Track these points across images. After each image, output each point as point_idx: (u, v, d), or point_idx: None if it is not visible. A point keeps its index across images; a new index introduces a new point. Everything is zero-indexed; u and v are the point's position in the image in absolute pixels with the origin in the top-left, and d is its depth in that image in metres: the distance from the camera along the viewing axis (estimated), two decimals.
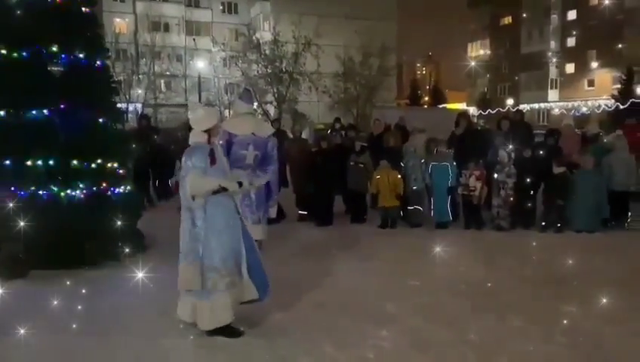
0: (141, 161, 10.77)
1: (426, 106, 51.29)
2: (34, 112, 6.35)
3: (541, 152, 9.11)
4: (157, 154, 11.31)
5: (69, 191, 6.39)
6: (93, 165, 6.63)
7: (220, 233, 4.37)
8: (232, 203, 4.54)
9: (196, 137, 4.51)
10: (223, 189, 4.38)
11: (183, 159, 4.43)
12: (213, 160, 4.42)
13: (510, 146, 8.96)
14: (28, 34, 6.39)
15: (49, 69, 6.43)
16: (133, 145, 10.82)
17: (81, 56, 6.69)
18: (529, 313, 5.00)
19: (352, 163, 9.56)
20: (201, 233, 4.34)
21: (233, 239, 4.45)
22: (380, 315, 4.97)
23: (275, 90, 33.51)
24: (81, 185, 6.46)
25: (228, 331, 4.42)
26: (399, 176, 9.01)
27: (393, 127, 12.20)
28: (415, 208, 9.11)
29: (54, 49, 6.49)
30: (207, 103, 37.83)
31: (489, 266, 6.61)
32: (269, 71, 33.27)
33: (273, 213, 7.40)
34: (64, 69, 6.50)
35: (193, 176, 4.30)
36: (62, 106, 6.43)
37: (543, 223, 8.74)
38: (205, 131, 4.48)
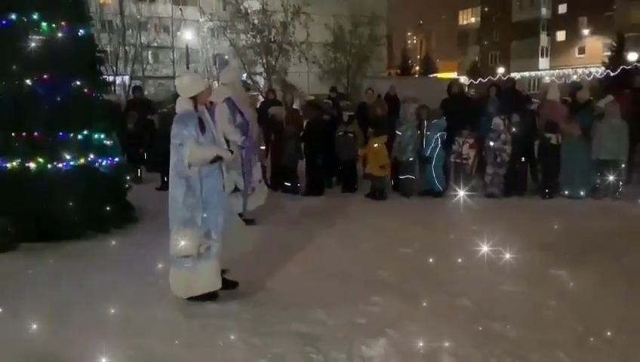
0: (134, 134, 10.65)
1: (417, 76, 50.75)
2: (16, 83, 6.20)
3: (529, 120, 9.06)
4: (148, 128, 11.10)
5: (55, 163, 6.30)
6: (79, 136, 6.53)
7: (215, 201, 4.38)
8: (221, 171, 4.50)
9: (183, 105, 4.42)
10: (219, 158, 4.37)
11: (174, 127, 4.34)
12: (202, 128, 4.36)
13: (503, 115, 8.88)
14: (7, 2, 6.20)
15: (30, 37, 6.26)
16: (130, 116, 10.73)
17: (62, 24, 6.51)
18: (520, 277, 5.04)
19: (340, 133, 9.49)
20: (199, 201, 4.31)
21: (223, 207, 4.46)
22: (370, 281, 4.99)
23: (265, 61, 33.03)
24: (67, 157, 6.36)
25: (207, 294, 4.45)
26: (383, 146, 8.90)
27: (384, 97, 12.12)
28: (407, 177, 9.08)
29: (35, 17, 6.31)
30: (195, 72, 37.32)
31: (480, 232, 6.61)
32: (258, 41, 32.74)
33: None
34: (46, 38, 6.33)
35: (191, 145, 4.25)
36: (45, 77, 6.29)
37: (547, 190, 8.77)
38: (192, 98, 4.40)
